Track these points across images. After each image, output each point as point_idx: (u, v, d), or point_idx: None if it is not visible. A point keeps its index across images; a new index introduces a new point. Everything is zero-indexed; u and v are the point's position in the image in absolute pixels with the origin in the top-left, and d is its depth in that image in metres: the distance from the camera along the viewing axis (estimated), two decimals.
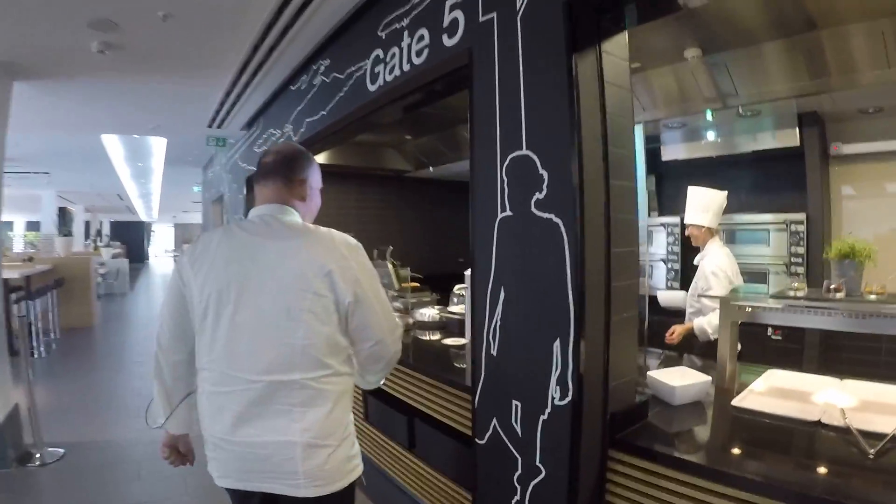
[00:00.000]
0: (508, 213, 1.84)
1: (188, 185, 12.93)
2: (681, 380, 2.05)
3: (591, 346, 1.62)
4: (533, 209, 1.73)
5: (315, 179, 1.65)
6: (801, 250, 4.05)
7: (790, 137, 4.05)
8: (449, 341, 3.17)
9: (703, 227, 3.33)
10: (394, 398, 2.82)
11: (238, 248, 1.46)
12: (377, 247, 5.08)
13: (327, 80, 3.38)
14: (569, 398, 1.61)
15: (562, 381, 1.63)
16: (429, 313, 3.74)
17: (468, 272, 3.39)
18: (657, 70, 3.53)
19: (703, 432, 1.87)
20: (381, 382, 1.71)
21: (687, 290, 3.54)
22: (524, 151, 1.77)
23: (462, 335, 3.29)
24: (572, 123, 1.59)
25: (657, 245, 4.97)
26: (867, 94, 3.61)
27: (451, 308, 3.75)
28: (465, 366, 2.75)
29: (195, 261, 1.48)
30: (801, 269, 4.02)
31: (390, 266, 4.42)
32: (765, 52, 3.17)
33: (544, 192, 1.69)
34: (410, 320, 3.66)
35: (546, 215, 1.68)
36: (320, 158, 5.61)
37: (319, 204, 1.69)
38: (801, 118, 3.99)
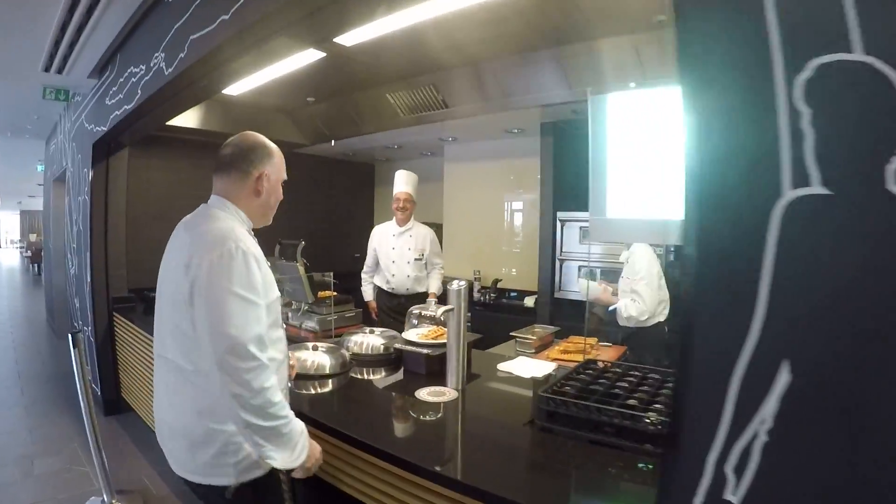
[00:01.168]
0: (818, 189, 0.75)
1: (31, 163, 10.52)
2: None
3: None
4: None
5: (275, 172, 1.64)
6: None
7: None
8: (426, 394, 2.04)
9: None
10: None
11: (172, 238, 1.61)
12: (280, 240, 3.85)
13: None
14: None
15: None
16: (369, 341, 2.58)
17: (456, 286, 2.19)
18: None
19: None
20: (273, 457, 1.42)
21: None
22: (859, 57, 0.71)
23: (436, 380, 2.19)
24: None
25: None
26: None
27: (409, 334, 2.57)
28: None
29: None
30: None
31: (301, 269, 3.13)
32: None
33: None
34: (346, 353, 2.45)
35: None
36: (181, 120, 4.28)
37: (280, 197, 1.69)
38: None
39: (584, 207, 4.78)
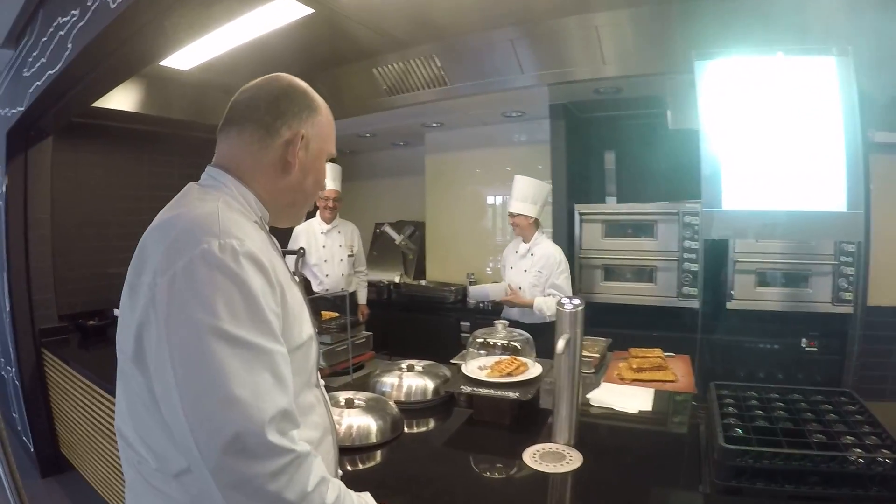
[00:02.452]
0: None
1: None
2: None
3: None
4: None
5: (319, 139, 1.03)
6: (853, 248, 3.18)
7: None
8: (536, 459, 1.40)
9: (532, 218, 3.30)
10: None
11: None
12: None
13: None
14: None
15: None
16: (413, 384, 1.89)
17: (570, 307, 1.52)
18: None
19: None
20: None
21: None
22: None
23: (525, 431, 1.60)
24: None
25: (665, 240, 3.75)
26: None
27: (471, 369, 1.85)
28: None
29: None
30: (850, 270, 3.20)
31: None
32: None
33: None
34: (391, 403, 1.73)
35: None
36: (116, 102, 3.60)
37: (322, 180, 1.07)
38: None
39: (600, 199, 4.41)
